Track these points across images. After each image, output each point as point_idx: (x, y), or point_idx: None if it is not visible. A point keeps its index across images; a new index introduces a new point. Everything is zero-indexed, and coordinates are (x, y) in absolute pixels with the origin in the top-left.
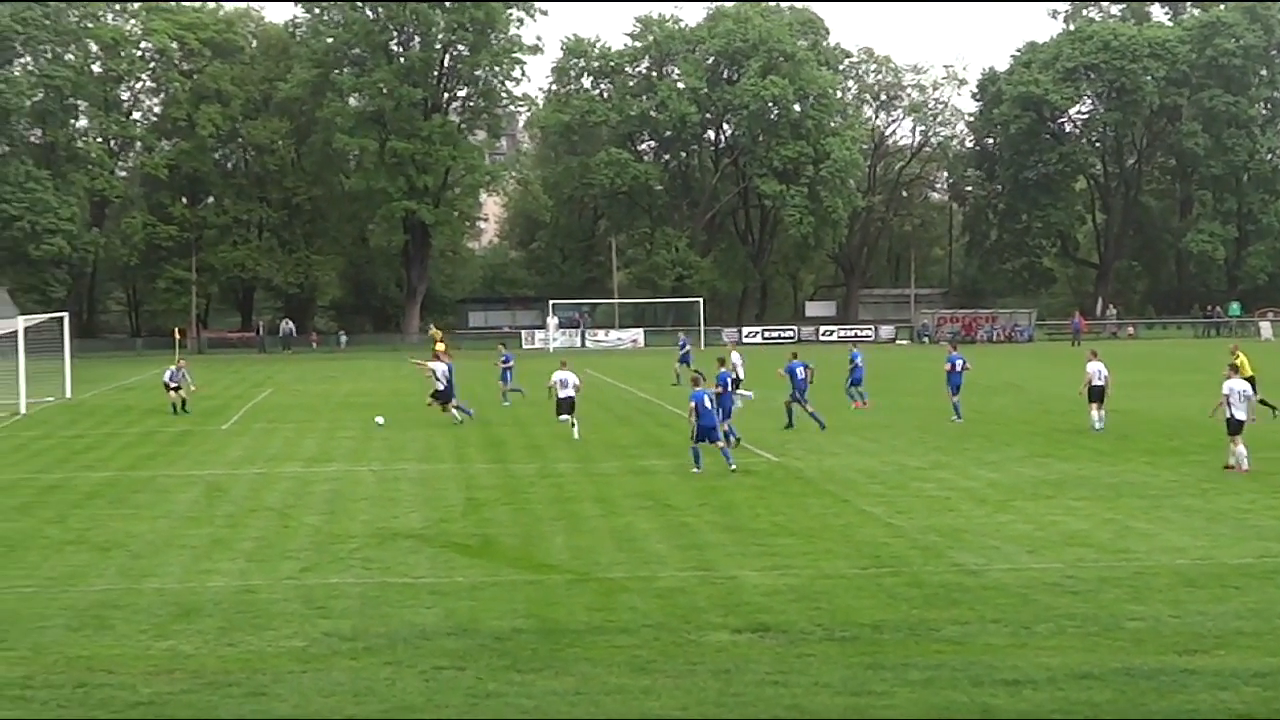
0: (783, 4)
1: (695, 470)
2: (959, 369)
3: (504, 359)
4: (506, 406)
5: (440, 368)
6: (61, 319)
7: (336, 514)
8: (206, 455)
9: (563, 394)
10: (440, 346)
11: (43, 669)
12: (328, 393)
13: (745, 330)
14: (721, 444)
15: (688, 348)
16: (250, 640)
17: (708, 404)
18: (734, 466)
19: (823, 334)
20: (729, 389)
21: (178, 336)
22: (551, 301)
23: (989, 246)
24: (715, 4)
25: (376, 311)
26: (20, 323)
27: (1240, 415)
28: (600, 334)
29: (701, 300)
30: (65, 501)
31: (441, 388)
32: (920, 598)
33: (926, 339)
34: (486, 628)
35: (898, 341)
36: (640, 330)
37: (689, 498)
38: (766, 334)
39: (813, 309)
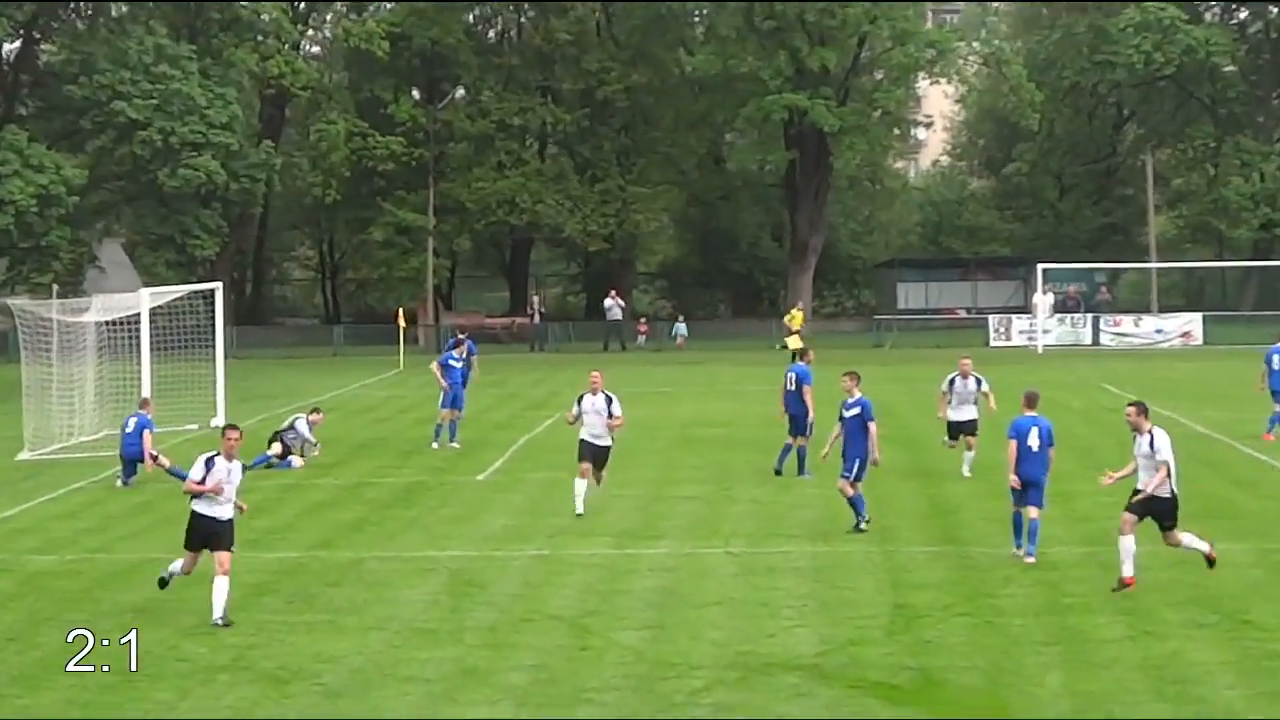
0: None
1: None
2: None
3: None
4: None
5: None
6: (211, 293)
7: (669, 628)
8: (449, 524)
9: (591, 437)
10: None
11: None
12: (655, 419)
13: None
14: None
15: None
16: None
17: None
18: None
19: None
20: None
21: (402, 323)
22: (1041, 266)
23: None
24: None
25: (738, 282)
26: (145, 298)
27: None
28: (1124, 321)
29: None
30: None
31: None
32: None
33: None
34: None
35: None
36: (1196, 315)
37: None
38: None
39: None
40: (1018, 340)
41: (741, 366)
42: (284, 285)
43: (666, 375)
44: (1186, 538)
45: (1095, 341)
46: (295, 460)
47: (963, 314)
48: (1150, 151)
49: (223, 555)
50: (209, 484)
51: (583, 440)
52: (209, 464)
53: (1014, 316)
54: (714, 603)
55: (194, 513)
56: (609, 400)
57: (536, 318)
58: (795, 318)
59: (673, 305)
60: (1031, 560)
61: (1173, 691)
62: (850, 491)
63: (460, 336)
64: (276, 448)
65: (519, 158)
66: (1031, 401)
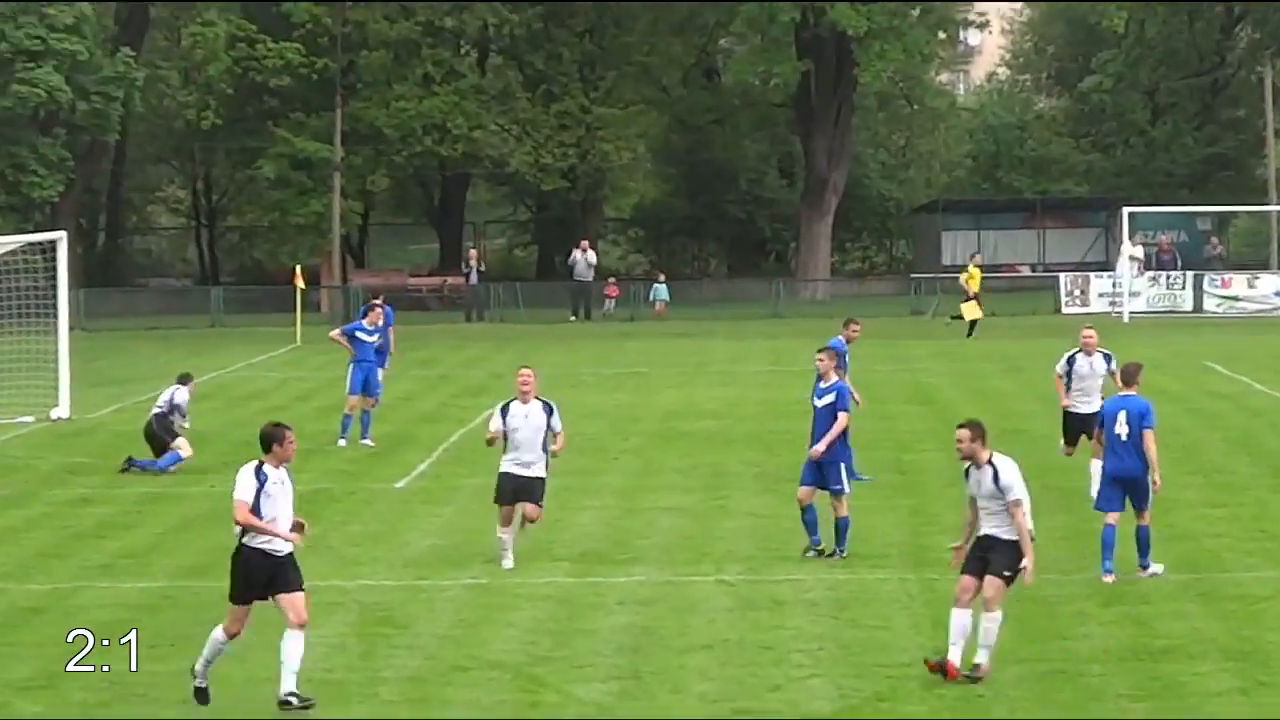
0: None
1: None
2: None
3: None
4: None
5: None
6: (52, 245)
7: (644, 679)
8: (361, 544)
9: (518, 466)
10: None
11: None
12: (628, 408)
13: None
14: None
15: None
16: None
17: None
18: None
19: None
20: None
21: (300, 284)
22: (1127, 209)
23: None
24: None
25: (735, 231)
26: None
27: None
28: (1234, 281)
29: None
30: (55, 646)
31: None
32: None
33: None
34: None
35: None
36: None
37: None
38: None
39: None
40: (1097, 306)
41: (740, 340)
42: (147, 236)
43: (642, 351)
44: (996, 617)
45: (1197, 307)
46: (184, 448)
47: (1026, 271)
48: (1269, 62)
49: (294, 598)
50: (247, 515)
51: (504, 474)
52: (259, 475)
53: (1092, 275)
54: (703, 646)
55: (243, 547)
56: (549, 411)
57: (474, 277)
58: (973, 276)
59: (650, 261)
60: (1157, 570)
61: None
62: (844, 510)
63: (374, 302)
64: (183, 445)
65: (451, 69)
66: (1129, 376)
